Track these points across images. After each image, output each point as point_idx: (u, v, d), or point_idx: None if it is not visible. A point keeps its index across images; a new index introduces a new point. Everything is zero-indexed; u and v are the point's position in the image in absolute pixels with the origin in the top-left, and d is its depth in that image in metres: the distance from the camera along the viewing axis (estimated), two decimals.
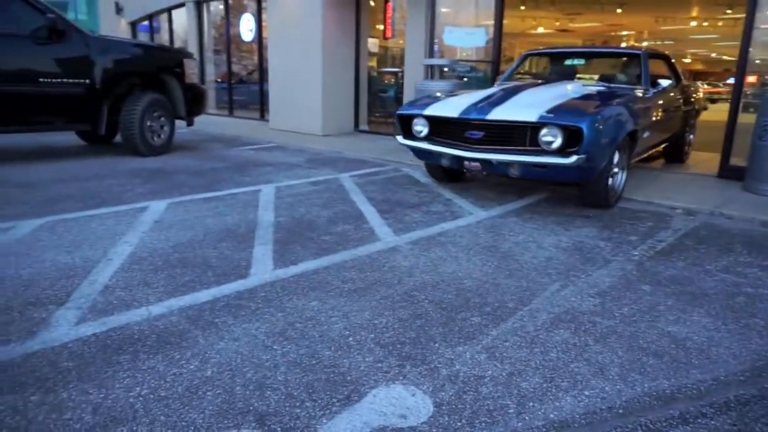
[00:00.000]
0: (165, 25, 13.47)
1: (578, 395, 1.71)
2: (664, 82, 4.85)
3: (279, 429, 1.50)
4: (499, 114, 3.80)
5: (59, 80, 5.21)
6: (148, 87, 6.05)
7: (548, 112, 3.61)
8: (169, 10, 12.84)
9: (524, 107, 3.79)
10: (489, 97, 4.16)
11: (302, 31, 8.56)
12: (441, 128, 4.17)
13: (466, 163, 3.97)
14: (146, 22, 14.11)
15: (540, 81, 5.09)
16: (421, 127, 4.27)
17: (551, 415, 1.61)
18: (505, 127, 3.77)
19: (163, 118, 6.14)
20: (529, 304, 2.37)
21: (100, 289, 2.38)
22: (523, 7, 14.51)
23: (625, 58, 5.64)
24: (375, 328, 2.10)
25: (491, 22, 7.07)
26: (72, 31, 5.31)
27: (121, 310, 2.18)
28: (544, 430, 1.54)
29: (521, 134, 3.71)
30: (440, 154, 4.12)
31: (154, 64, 6.16)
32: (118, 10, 14.40)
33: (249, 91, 11.70)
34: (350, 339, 2.02)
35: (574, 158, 3.45)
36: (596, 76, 5.00)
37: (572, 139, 3.50)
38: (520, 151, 3.71)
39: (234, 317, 2.16)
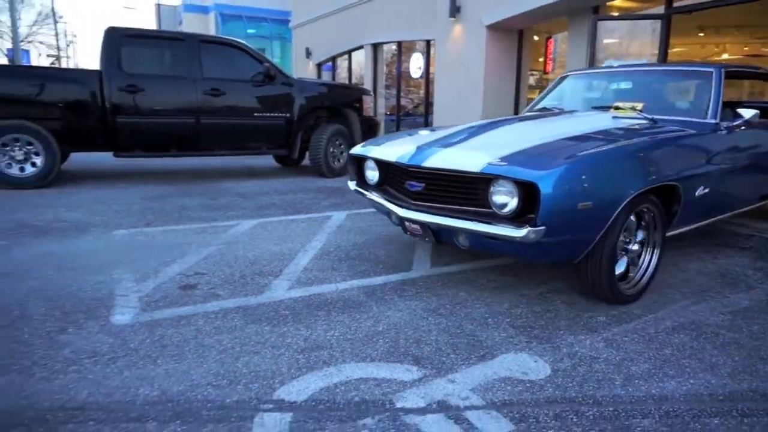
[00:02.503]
0: (345, 65, 15.28)
1: (683, 382, 1.99)
2: (747, 113, 3.29)
3: (430, 367, 2.05)
4: (438, 160, 2.65)
5: (269, 114, 6.51)
6: (332, 119, 7.18)
7: (502, 159, 2.43)
8: (349, 52, 14.60)
9: (477, 150, 2.63)
10: (454, 134, 3.08)
11: (466, 66, 9.26)
12: (387, 175, 3.12)
13: (406, 224, 2.84)
14: (329, 63, 16.13)
15: (564, 112, 3.86)
16: (371, 172, 3.21)
17: (653, 391, 1.92)
18: (446, 179, 2.63)
19: (342, 146, 7.22)
20: (655, 313, 2.62)
21: (301, 269, 3.18)
22: (701, 34, 13.63)
23: (689, 80, 3.76)
24: (511, 315, 2.56)
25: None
26: (280, 75, 6.61)
27: (317, 284, 2.94)
28: (643, 399, 1.87)
29: (467, 190, 2.57)
30: (387, 211, 2.97)
31: (339, 100, 7.30)
32: (308, 54, 16.67)
33: (414, 122, 12.74)
34: (489, 320, 2.50)
35: (524, 230, 2.24)
36: (639, 105, 3.43)
37: (532, 202, 2.31)
38: (466, 213, 2.55)
39: (399, 296, 2.78)
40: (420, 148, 2.82)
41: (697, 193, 2.94)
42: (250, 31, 26.79)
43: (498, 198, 2.41)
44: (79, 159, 7.18)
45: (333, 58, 15.82)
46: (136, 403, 1.77)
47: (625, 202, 2.43)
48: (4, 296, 2.64)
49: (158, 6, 31.42)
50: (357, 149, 3.37)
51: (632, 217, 2.65)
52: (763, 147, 3.66)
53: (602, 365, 2.10)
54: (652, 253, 2.86)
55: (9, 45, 33.37)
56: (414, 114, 13.04)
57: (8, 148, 5.34)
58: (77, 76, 5.66)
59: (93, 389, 1.84)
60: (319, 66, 16.73)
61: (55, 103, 5.45)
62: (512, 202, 2.36)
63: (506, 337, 2.32)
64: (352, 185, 3.43)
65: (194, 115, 6.06)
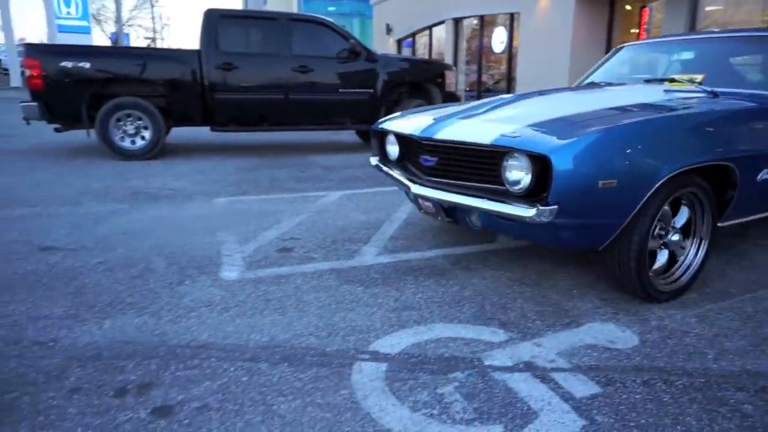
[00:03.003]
0: (424, 40, 15.19)
1: None
2: None
3: (516, 331, 2.13)
4: (451, 131, 2.47)
5: (353, 90, 6.68)
6: (415, 94, 7.24)
7: (518, 131, 2.22)
8: (430, 27, 14.49)
9: (494, 122, 2.44)
10: (480, 105, 2.93)
11: (552, 40, 8.96)
12: (407, 150, 2.94)
13: (420, 201, 2.70)
14: (410, 39, 16.11)
15: (612, 85, 3.44)
16: (391, 147, 3.05)
17: (748, 367, 1.89)
18: (459, 153, 2.44)
19: None
20: (754, 293, 2.53)
21: (388, 237, 3.33)
22: None
23: (762, 47, 3.16)
24: (596, 288, 2.57)
25: None
26: (364, 52, 6.75)
27: (403, 251, 3.07)
28: (737, 374, 1.85)
29: (481, 165, 2.35)
30: (404, 188, 2.75)
31: (421, 76, 7.33)
32: (388, 30, 16.71)
33: None
34: (574, 291, 2.53)
35: (534, 209, 2.02)
36: (699, 77, 3.01)
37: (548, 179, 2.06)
38: (479, 191, 2.33)
39: (483, 265, 2.86)
40: (437, 120, 2.66)
41: (759, 177, 2.51)
42: (330, 8, 27.17)
43: (511, 174, 2.17)
44: (177, 134, 7.73)
45: (413, 34, 15.76)
46: (248, 346, 2.00)
47: (659, 184, 2.11)
48: (132, 252, 2.99)
49: None
50: (379, 123, 3.22)
51: (667, 205, 2.29)
52: None
53: (693, 339, 2.08)
54: (699, 246, 2.50)
55: (112, 29, 35.92)
56: (494, 90, 12.79)
57: (121, 123, 5.87)
58: (180, 55, 6.08)
59: (212, 332, 2.09)
60: (399, 42, 16.74)
61: (161, 81, 5.91)
62: (525, 179, 2.11)
63: (592, 308, 2.35)
64: (373, 161, 3.27)
65: (284, 91, 6.34)
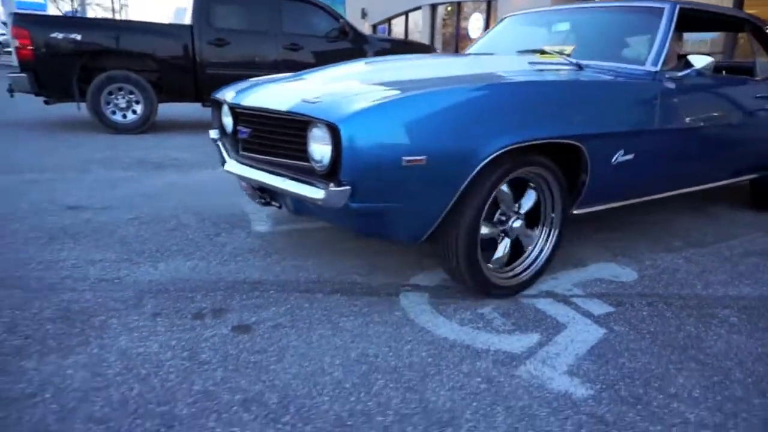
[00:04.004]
0: (400, 26, 15.39)
1: (757, 288, 2.29)
2: (700, 62, 2.49)
3: None
4: (256, 97, 2.17)
5: None
6: None
7: (320, 97, 1.88)
8: (406, 13, 14.69)
9: (304, 88, 2.12)
10: (311, 71, 2.57)
11: None
12: (236, 122, 2.38)
13: (242, 185, 2.34)
14: (384, 25, 16.27)
15: (476, 55, 3.18)
16: (226, 119, 2.47)
17: (731, 293, 2.24)
18: (267, 123, 2.09)
19: None
20: (727, 241, 2.90)
21: None
22: None
23: (637, 20, 2.83)
24: (595, 238, 2.88)
25: None
26: (352, 32, 6.92)
27: None
28: (722, 298, 2.19)
29: (289, 137, 1.99)
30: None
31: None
32: (363, 15, 16.82)
33: None
34: (574, 240, 2.84)
35: (322, 192, 1.70)
36: (568, 49, 2.79)
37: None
38: (287, 168, 2.00)
39: None
40: (253, 85, 2.37)
41: (614, 160, 2.25)
42: None
43: (314, 148, 1.79)
44: (164, 110, 7.74)
45: (389, 19, 15.93)
46: (300, 281, 2.21)
47: (484, 162, 1.79)
48: (159, 210, 3.13)
49: None
50: (216, 91, 2.66)
51: (505, 187, 2.00)
52: (732, 106, 2.90)
53: (683, 274, 2.42)
54: (548, 236, 2.23)
55: (68, 7, 34.52)
56: None
57: (113, 97, 5.88)
58: (172, 30, 6.11)
59: (261, 272, 2.29)
60: (374, 27, 16.89)
61: (153, 56, 5.94)
62: (326, 154, 1.74)
63: (594, 253, 2.66)
64: (212, 134, 2.65)
65: (274, 69, 6.45)
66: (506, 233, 2.13)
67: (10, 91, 5.92)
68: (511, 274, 2.18)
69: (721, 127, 2.83)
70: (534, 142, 1.94)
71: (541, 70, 2.36)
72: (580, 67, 2.45)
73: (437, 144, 1.74)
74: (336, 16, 6.79)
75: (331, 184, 1.70)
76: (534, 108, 1.98)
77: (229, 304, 1.99)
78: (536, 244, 2.23)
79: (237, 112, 2.29)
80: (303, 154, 1.91)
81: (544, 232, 2.24)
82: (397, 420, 1.39)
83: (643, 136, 2.34)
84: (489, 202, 1.93)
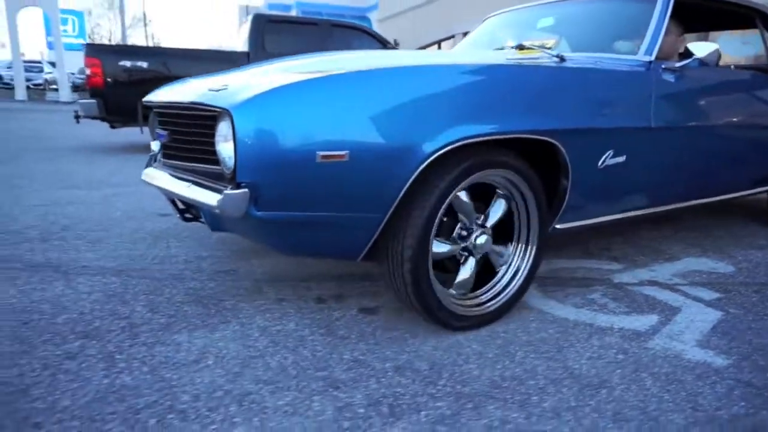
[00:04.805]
0: None
1: None
2: (702, 50, 2.20)
3: (627, 262, 2.46)
4: (168, 93, 1.91)
5: None
6: None
7: (228, 85, 1.56)
8: (439, 42, 15.05)
9: (219, 78, 1.83)
10: (248, 66, 2.33)
11: None
12: None
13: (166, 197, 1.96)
14: None
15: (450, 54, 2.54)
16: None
17: None
18: (180, 123, 1.76)
19: None
20: None
21: None
22: None
23: (629, 9, 2.47)
24: (679, 237, 2.91)
25: None
26: None
27: None
28: None
29: (200, 138, 1.64)
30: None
31: None
32: (396, 44, 17.24)
33: None
34: (660, 238, 2.87)
35: (217, 197, 1.40)
36: (550, 42, 2.47)
37: None
38: (200, 174, 1.67)
39: None
40: (180, 81, 2.08)
41: (601, 163, 1.91)
42: None
43: (222, 146, 1.46)
44: None
45: (422, 48, 16.32)
46: None
47: (429, 160, 1.46)
48: None
49: (246, 8, 33.12)
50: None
51: (464, 194, 1.64)
52: (744, 103, 2.59)
53: None
54: (524, 254, 1.85)
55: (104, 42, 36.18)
56: None
57: None
58: (231, 56, 6.40)
59: (368, 267, 2.38)
60: None
61: None
62: (232, 151, 1.38)
63: (683, 248, 2.70)
64: (153, 146, 2.09)
65: None
66: (469, 251, 1.75)
67: (77, 117, 6.23)
68: (476, 301, 1.77)
69: (731, 127, 2.51)
70: (495, 138, 1.59)
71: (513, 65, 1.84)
72: (562, 59, 1.95)
73: (363, 137, 1.40)
74: (383, 41, 7.03)
75: (229, 187, 1.38)
76: (494, 95, 1.62)
77: (346, 291, 2.07)
78: (510, 263, 1.84)
79: (156, 113, 1.95)
80: (215, 156, 1.52)
81: (519, 249, 1.86)
82: (550, 383, 1.44)
83: (636, 134, 2.01)
84: (441, 213, 1.56)
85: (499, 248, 1.83)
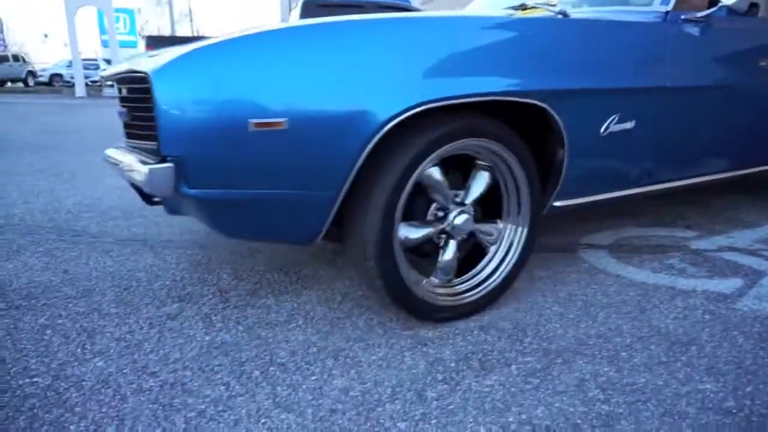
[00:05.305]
0: None
1: None
2: None
3: (702, 230, 2.40)
4: (133, 62, 1.60)
5: None
6: None
7: (177, 51, 1.30)
8: None
9: (186, 47, 1.38)
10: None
11: None
12: None
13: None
14: None
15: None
16: None
17: None
18: (135, 98, 1.52)
19: None
20: None
21: None
22: None
23: None
24: (758, 205, 2.81)
25: None
26: None
27: None
28: None
29: (145, 110, 1.40)
30: None
31: None
32: None
33: None
34: (740, 205, 2.77)
35: (146, 168, 1.23)
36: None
37: None
38: (146, 151, 1.50)
39: None
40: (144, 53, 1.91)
41: (604, 129, 1.66)
42: None
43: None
44: None
45: None
46: None
47: (384, 129, 1.26)
48: None
49: None
50: None
51: (436, 169, 1.43)
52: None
53: None
54: (512, 238, 1.64)
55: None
56: None
57: None
58: None
59: None
60: None
61: None
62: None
63: (762, 216, 2.60)
64: None
65: None
66: (448, 234, 1.54)
67: None
68: (457, 290, 1.57)
69: (764, 87, 2.16)
70: (468, 100, 1.35)
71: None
72: (565, 15, 1.76)
73: (305, 102, 1.22)
74: None
75: (154, 162, 1.26)
76: (465, 51, 1.37)
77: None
78: (500, 242, 1.64)
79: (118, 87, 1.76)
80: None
81: (509, 231, 1.65)
82: (637, 340, 1.44)
83: (648, 96, 1.73)
84: (408, 192, 1.37)
85: (486, 226, 1.62)
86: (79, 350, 1.41)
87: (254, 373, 1.32)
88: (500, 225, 1.64)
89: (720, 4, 1.87)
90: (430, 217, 1.53)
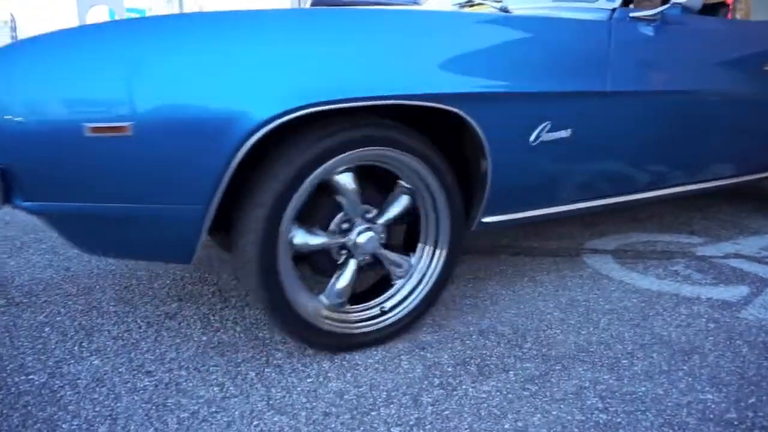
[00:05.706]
0: None
1: None
2: None
3: (708, 236, 2.36)
4: None
5: None
6: None
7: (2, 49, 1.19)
8: None
9: None
10: None
11: None
12: None
13: None
14: None
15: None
16: None
17: None
18: None
19: None
20: None
21: None
22: None
23: None
24: (762, 212, 2.77)
25: None
26: None
27: None
28: None
29: None
30: None
31: None
32: None
33: None
34: (743, 214, 2.74)
35: None
36: None
37: None
38: None
39: None
40: None
41: (534, 138, 1.49)
42: None
43: None
44: None
45: None
46: (478, 244, 2.29)
47: (257, 134, 1.10)
48: None
49: None
50: None
51: (348, 175, 1.28)
52: (741, 63, 2.00)
53: None
54: (432, 258, 1.49)
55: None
56: None
57: None
58: None
59: None
60: None
61: None
62: None
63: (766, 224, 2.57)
64: None
65: None
66: (349, 251, 1.38)
67: None
68: (351, 317, 1.41)
69: (721, 94, 1.97)
70: (363, 105, 1.19)
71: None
72: (505, 11, 1.69)
73: (155, 103, 1.07)
74: None
75: None
76: (361, 48, 1.22)
77: None
78: (410, 276, 1.47)
79: None
80: None
81: (426, 252, 1.48)
82: (638, 348, 1.42)
83: (586, 102, 1.56)
84: (304, 189, 1.21)
85: (394, 256, 1.43)
86: (76, 348, 1.41)
87: (249, 374, 1.31)
88: (412, 260, 1.47)
89: (672, 2, 1.68)
90: (333, 227, 1.35)
